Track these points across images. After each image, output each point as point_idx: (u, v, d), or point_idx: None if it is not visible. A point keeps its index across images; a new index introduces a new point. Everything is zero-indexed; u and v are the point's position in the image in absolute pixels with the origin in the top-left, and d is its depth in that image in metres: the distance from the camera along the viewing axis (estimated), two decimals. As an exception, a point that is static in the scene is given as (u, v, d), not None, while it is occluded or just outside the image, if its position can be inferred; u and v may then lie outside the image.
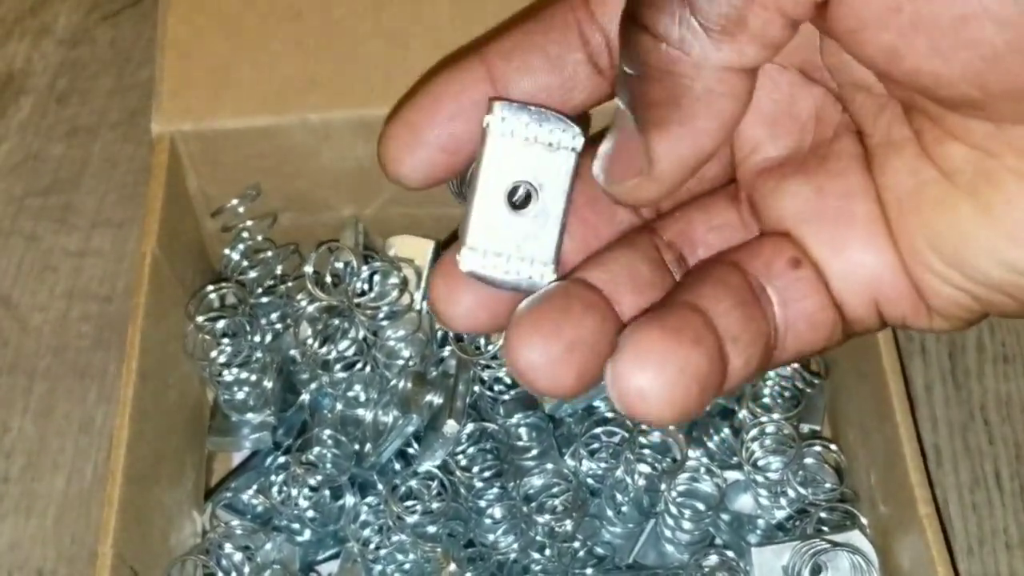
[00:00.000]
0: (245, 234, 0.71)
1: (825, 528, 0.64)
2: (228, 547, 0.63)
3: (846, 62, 0.35)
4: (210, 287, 0.67)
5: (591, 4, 0.38)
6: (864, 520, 0.64)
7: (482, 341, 0.66)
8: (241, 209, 0.70)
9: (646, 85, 0.34)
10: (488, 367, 0.65)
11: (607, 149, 0.37)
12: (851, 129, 0.37)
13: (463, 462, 0.66)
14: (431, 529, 0.63)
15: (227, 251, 0.71)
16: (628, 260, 0.36)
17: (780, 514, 0.67)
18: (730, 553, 0.63)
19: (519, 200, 0.36)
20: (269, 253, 0.70)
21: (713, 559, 0.63)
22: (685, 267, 0.37)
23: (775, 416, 0.67)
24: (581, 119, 0.38)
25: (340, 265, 0.69)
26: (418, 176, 0.38)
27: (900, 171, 0.35)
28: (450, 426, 0.63)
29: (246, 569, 0.63)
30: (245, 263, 0.70)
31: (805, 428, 0.70)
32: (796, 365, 0.68)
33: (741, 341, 0.33)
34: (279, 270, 0.71)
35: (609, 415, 0.68)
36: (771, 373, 0.68)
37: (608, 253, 0.37)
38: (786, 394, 0.69)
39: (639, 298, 0.35)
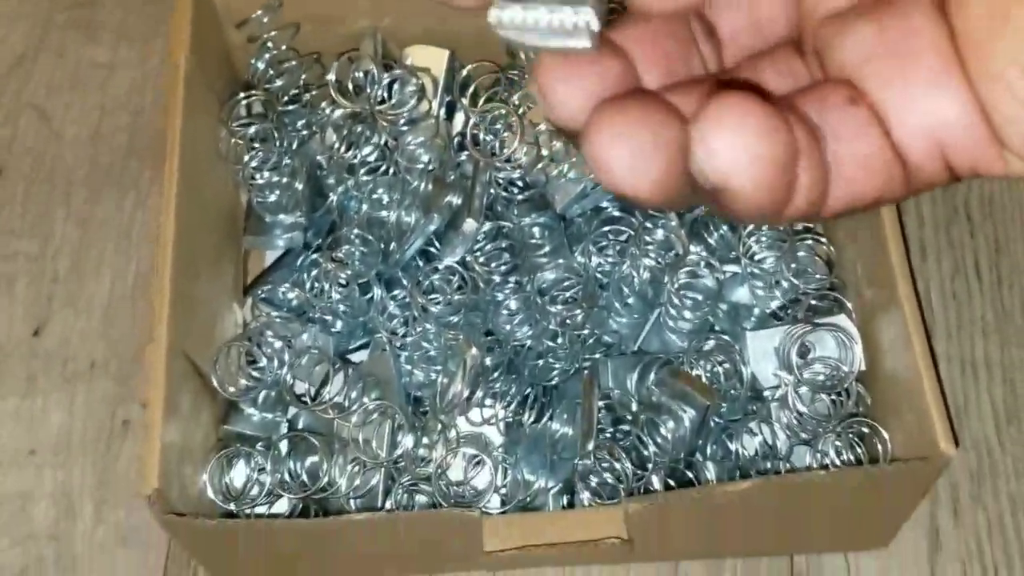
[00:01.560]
0: (269, 44, 0.74)
1: (815, 315, 0.70)
2: (269, 335, 0.68)
3: None
4: (241, 95, 0.71)
5: None
6: (850, 305, 0.70)
7: (497, 145, 0.71)
8: (265, 20, 0.74)
9: None
10: (503, 169, 0.70)
11: None
12: None
13: (481, 258, 0.70)
14: (453, 319, 0.69)
15: (253, 61, 0.74)
16: (703, 91, 0.34)
17: (774, 304, 0.72)
18: (726, 337, 0.69)
19: None
20: (293, 63, 0.74)
21: (710, 343, 0.69)
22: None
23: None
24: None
25: (361, 74, 0.72)
26: None
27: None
28: (469, 224, 0.68)
29: (286, 355, 0.69)
30: (271, 72, 0.74)
31: (799, 225, 0.74)
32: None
33: (808, 156, 0.32)
34: (303, 79, 0.75)
35: (616, 214, 0.73)
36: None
37: (684, 84, 0.35)
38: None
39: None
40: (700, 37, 0.37)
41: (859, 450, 0.65)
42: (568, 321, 0.69)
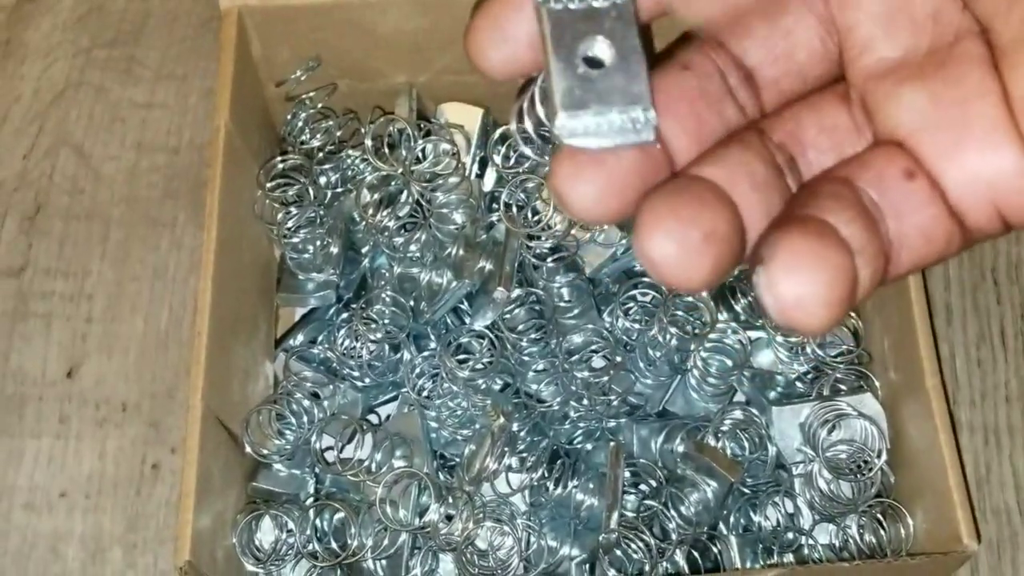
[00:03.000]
0: (307, 102, 0.75)
1: (841, 387, 0.70)
2: (299, 395, 0.69)
3: None
4: (278, 158, 0.72)
5: None
6: (876, 383, 0.70)
7: (529, 213, 0.71)
8: (303, 79, 0.75)
9: None
10: (535, 237, 0.70)
11: None
12: (974, 31, 0.35)
13: (511, 323, 0.71)
14: (481, 382, 0.70)
15: (290, 118, 0.75)
16: (743, 158, 0.35)
17: (798, 369, 0.73)
18: (752, 410, 0.70)
19: (594, 57, 0.35)
20: (330, 122, 0.75)
21: (737, 414, 0.69)
22: (796, 170, 0.36)
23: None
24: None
25: (396, 130, 0.73)
26: (504, 70, 0.37)
27: None
28: (500, 293, 0.69)
29: (316, 412, 0.70)
30: (307, 130, 0.75)
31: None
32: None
33: (866, 253, 0.32)
34: (338, 135, 0.76)
35: (646, 279, 0.73)
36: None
37: (722, 150, 0.35)
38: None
39: (758, 196, 0.34)
40: (736, 82, 0.37)
41: (882, 532, 0.65)
42: (594, 383, 0.70)
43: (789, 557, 0.67)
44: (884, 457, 0.66)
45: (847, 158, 0.36)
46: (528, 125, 0.38)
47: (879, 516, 0.66)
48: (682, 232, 0.32)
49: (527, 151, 0.39)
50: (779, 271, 0.31)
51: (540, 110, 0.38)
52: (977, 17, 0.35)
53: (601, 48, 0.34)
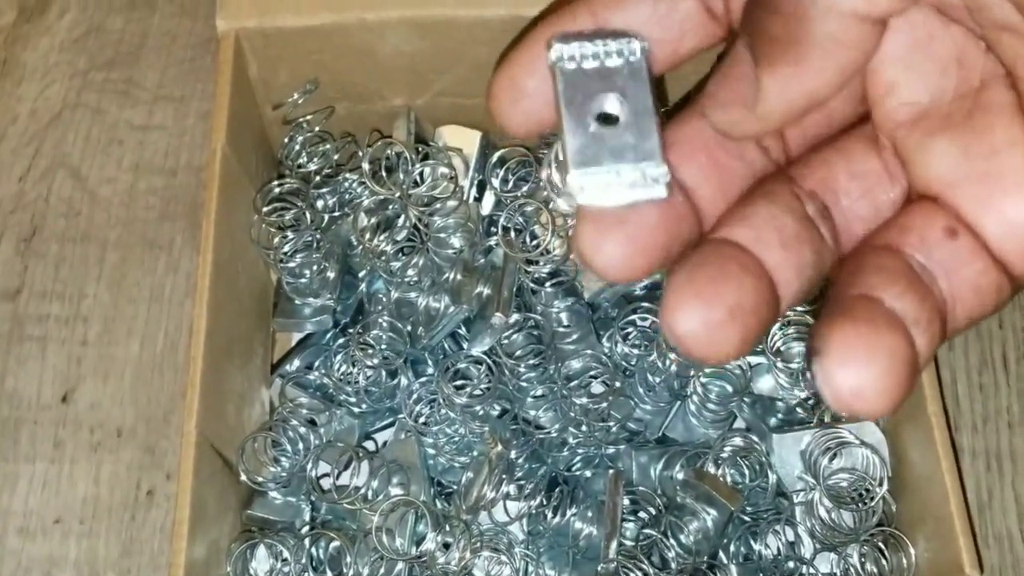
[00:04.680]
0: (304, 126, 0.75)
1: (842, 414, 0.70)
2: (294, 422, 0.69)
3: (985, 2, 0.33)
4: (274, 182, 0.71)
5: None
6: (877, 409, 0.69)
7: (527, 238, 0.71)
8: (300, 102, 0.74)
9: (769, 17, 0.33)
10: (534, 262, 0.70)
11: (718, 77, 0.35)
12: (999, 75, 0.35)
13: (509, 349, 0.71)
14: (479, 410, 0.69)
15: (287, 141, 0.75)
16: (772, 214, 0.34)
17: (799, 395, 0.72)
18: (753, 437, 0.69)
19: (607, 115, 0.35)
20: (327, 145, 0.74)
21: (737, 441, 0.69)
22: (829, 219, 0.36)
23: (799, 308, 0.71)
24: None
25: (393, 155, 0.73)
26: (524, 128, 0.37)
27: None
28: (498, 319, 0.68)
29: (312, 438, 0.69)
30: (305, 154, 0.74)
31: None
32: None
33: (922, 322, 0.32)
34: (335, 159, 0.75)
35: (645, 304, 0.73)
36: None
37: (750, 208, 0.35)
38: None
39: (788, 254, 0.34)
40: None
41: (883, 561, 0.65)
42: (592, 409, 0.69)
43: (790, 588, 0.66)
44: (886, 486, 0.65)
45: (886, 221, 0.36)
46: (556, 178, 0.38)
47: (880, 545, 0.65)
48: (706, 310, 0.32)
49: (561, 204, 0.38)
50: (833, 364, 0.31)
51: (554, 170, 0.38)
52: (1002, 61, 0.34)
53: (613, 105, 0.35)
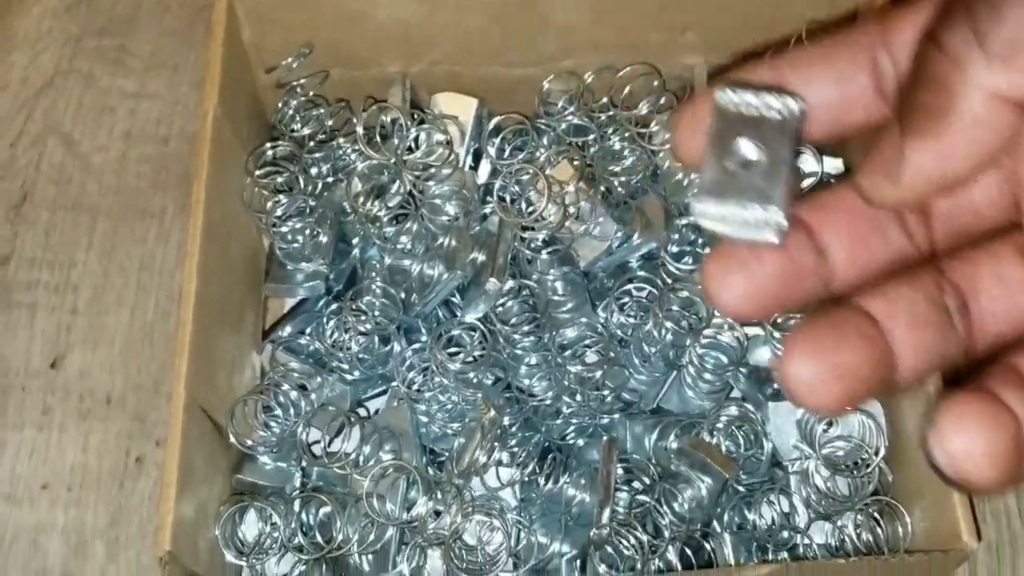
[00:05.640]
0: (298, 90, 0.74)
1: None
2: (285, 386, 0.68)
3: None
4: (267, 144, 0.71)
5: (887, 30, 0.38)
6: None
7: (523, 203, 0.70)
8: (295, 66, 0.73)
9: (916, 89, 0.35)
10: (529, 228, 0.69)
11: (872, 144, 0.37)
12: None
13: (503, 316, 0.70)
14: (472, 377, 0.68)
15: (280, 106, 0.74)
16: (908, 294, 0.36)
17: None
18: (748, 406, 0.68)
19: (746, 159, 0.37)
20: (321, 110, 0.74)
21: (733, 410, 0.68)
22: (967, 315, 0.37)
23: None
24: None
25: (388, 121, 0.72)
26: (688, 152, 0.40)
27: None
28: (492, 284, 0.67)
29: (303, 404, 0.68)
30: (298, 118, 0.73)
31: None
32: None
33: None
34: (329, 125, 0.75)
35: (641, 273, 0.72)
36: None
37: (890, 284, 0.36)
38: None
39: (914, 333, 0.35)
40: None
41: (879, 529, 0.64)
42: (587, 378, 0.69)
43: (784, 556, 0.66)
44: (883, 453, 0.64)
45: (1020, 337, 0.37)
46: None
47: (876, 514, 0.65)
48: (815, 365, 0.34)
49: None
50: (946, 429, 0.32)
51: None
52: None
53: (754, 151, 0.37)
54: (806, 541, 0.66)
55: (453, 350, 0.69)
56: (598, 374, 0.68)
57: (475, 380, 0.69)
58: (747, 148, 0.38)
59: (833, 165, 0.75)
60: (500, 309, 0.70)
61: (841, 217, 0.38)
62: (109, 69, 0.88)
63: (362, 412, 0.73)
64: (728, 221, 0.37)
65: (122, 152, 0.86)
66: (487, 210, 0.72)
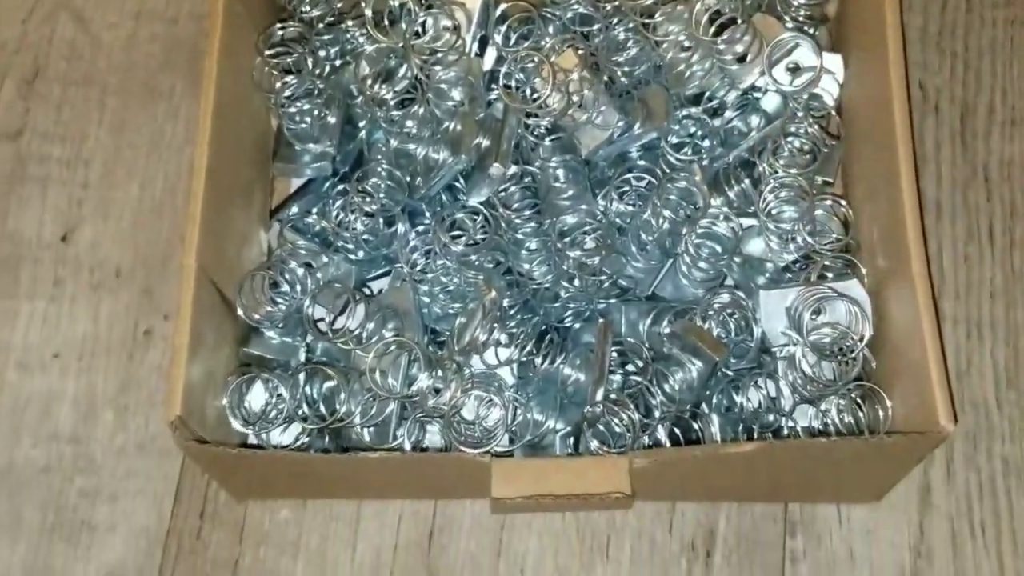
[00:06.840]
0: (309, -30, 0.75)
1: (828, 275, 0.71)
2: (292, 263, 0.70)
3: None
4: (277, 24, 0.72)
5: None
6: (863, 270, 0.71)
7: (528, 90, 0.71)
8: (305, -54, 0.74)
9: None
10: (533, 115, 0.70)
11: None
12: None
13: (506, 200, 0.72)
14: (474, 258, 0.70)
15: (291, -14, 0.75)
16: None
17: (788, 258, 0.73)
18: (740, 293, 0.70)
19: None
20: (330, -10, 0.74)
21: (725, 297, 0.70)
22: None
23: (792, 171, 0.72)
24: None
25: (396, 5, 0.73)
26: None
27: None
28: (496, 169, 0.69)
29: (308, 282, 0.70)
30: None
31: (819, 180, 0.75)
32: (816, 126, 0.73)
33: None
34: (339, 6, 0.75)
35: (641, 163, 0.74)
36: (791, 128, 0.73)
37: None
38: (805, 149, 0.74)
39: None
40: None
41: (860, 413, 0.67)
42: (585, 264, 0.71)
43: (769, 437, 0.68)
44: (867, 339, 0.67)
45: None
46: None
47: (859, 399, 0.67)
48: None
49: None
50: None
51: None
52: None
53: None
54: (790, 424, 0.69)
55: (456, 233, 0.71)
56: (596, 260, 0.70)
57: (476, 262, 0.71)
58: None
59: (832, 61, 0.76)
60: (503, 194, 0.72)
61: None
62: (119, -54, 0.89)
63: (366, 292, 0.75)
64: None
65: (132, 30, 0.87)
66: (492, 96, 0.73)
